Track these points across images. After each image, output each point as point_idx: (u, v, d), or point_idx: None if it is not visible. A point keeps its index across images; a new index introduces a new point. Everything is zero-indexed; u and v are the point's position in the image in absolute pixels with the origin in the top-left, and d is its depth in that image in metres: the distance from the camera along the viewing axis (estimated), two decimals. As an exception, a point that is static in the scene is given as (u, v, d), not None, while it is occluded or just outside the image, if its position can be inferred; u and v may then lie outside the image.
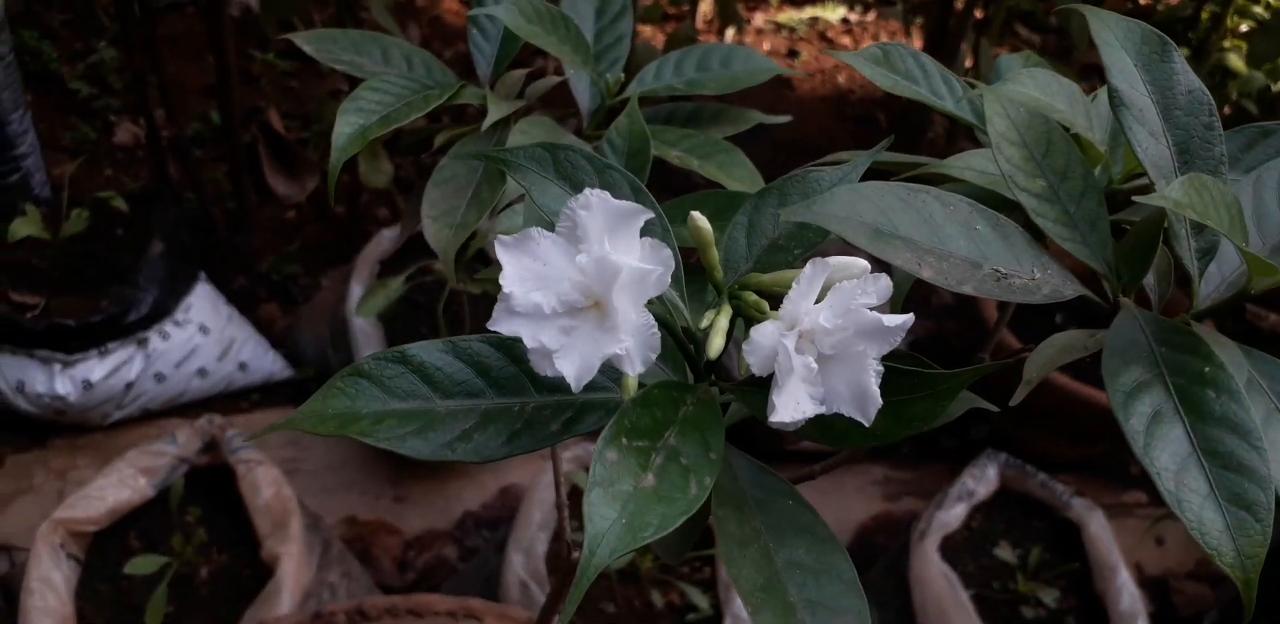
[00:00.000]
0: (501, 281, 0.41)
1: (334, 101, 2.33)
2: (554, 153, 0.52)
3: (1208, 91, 0.51)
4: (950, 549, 1.60)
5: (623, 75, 0.84)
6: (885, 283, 0.43)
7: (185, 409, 1.90)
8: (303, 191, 2.39)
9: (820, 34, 3.13)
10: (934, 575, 1.51)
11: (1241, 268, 0.51)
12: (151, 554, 1.46)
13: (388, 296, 1.60)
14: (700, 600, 1.52)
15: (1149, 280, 0.51)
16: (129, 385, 1.77)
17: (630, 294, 0.41)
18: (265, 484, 1.55)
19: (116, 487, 1.52)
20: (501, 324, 0.41)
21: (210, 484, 1.61)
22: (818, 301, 0.42)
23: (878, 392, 0.42)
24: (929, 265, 0.45)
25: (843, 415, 0.43)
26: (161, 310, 1.80)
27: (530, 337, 0.41)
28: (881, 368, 0.44)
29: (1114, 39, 0.51)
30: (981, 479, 1.71)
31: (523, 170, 0.52)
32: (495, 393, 0.50)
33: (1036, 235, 0.49)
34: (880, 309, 0.43)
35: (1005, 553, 1.62)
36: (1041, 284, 0.47)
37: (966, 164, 0.57)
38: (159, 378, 1.80)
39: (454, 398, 0.49)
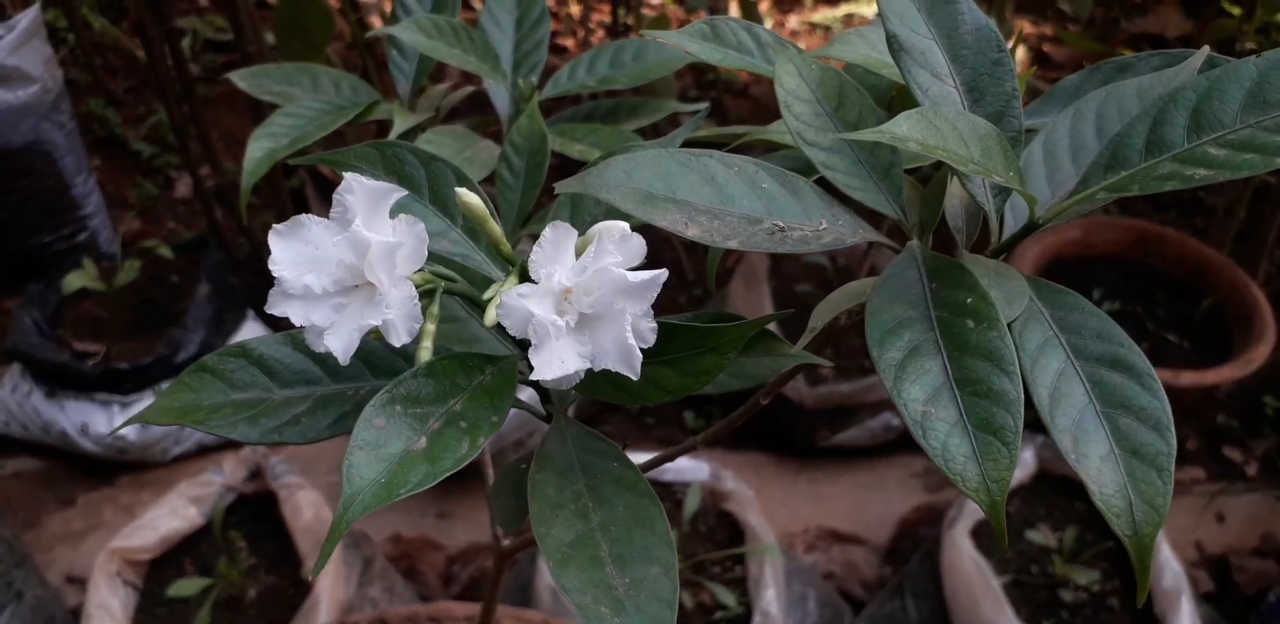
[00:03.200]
0: (272, 267, 0.44)
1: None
2: (381, 150, 0.55)
3: (995, 29, 0.52)
4: (986, 535, 1.58)
5: (535, 80, 0.87)
6: (635, 242, 0.44)
7: (239, 442, 1.97)
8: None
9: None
10: (964, 562, 1.49)
11: (1050, 202, 0.51)
12: (199, 577, 1.52)
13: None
14: (728, 599, 1.53)
15: (957, 222, 0.52)
16: (183, 422, 1.85)
17: (385, 268, 0.43)
18: (306, 507, 1.60)
19: (168, 517, 1.59)
20: (275, 307, 0.44)
21: (257, 510, 1.67)
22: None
23: (635, 347, 0.44)
24: (697, 224, 0.46)
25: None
26: (209, 348, 1.87)
27: (301, 317, 0.44)
28: (654, 325, 0.45)
29: (894, -13, 0.52)
30: (1018, 463, 1.68)
31: (355, 169, 0.55)
32: (332, 380, 0.53)
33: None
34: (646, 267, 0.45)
35: (1042, 536, 1.59)
36: (824, 234, 0.48)
37: (783, 128, 0.59)
38: (211, 413, 1.88)
39: (292, 386, 0.53)
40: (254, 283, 2.28)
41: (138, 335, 1.91)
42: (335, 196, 0.45)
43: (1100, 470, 0.42)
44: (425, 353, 0.46)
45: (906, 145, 0.41)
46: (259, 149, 0.77)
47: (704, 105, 0.91)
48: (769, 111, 2.67)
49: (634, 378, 0.45)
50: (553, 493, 0.50)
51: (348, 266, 0.44)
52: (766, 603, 1.53)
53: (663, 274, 0.44)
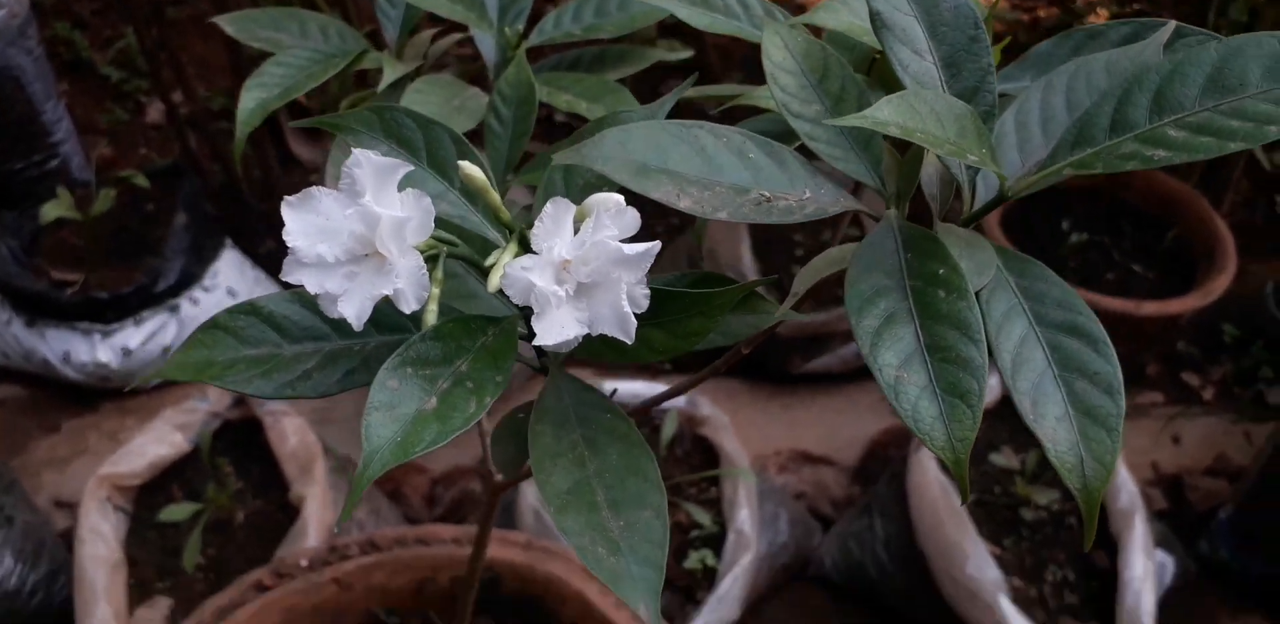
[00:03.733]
0: (286, 238, 0.47)
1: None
2: (380, 114, 0.58)
3: (973, 6, 0.54)
4: (951, 459, 1.64)
5: (520, 28, 0.88)
6: (630, 216, 0.47)
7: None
8: (325, 156, 2.47)
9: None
10: (930, 483, 1.56)
11: (1021, 172, 0.54)
12: (188, 502, 1.57)
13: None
14: (704, 518, 1.59)
15: (932, 191, 0.55)
16: (166, 350, 1.87)
17: (395, 240, 0.46)
18: (291, 433, 1.64)
19: (155, 443, 1.63)
20: (290, 275, 0.47)
21: (242, 436, 1.71)
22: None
23: (630, 314, 0.47)
24: (689, 196, 0.49)
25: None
26: (189, 277, 1.89)
27: (316, 284, 0.47)
28: (647, 291, 0.49)
29: (878, -38, 0.54)
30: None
31: (354, 133, 0.57)
32: (339, 336, 0.56)
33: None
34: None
35: (1005, 459, 1.66)
36: (807, 203, 0.51)
37: (768, 94, 0.61)
38: (193, 341, 1.90)
39: (300, 342, 0.55)
40: (230, 209, 2.28)
41: (115, 263, 1.92)
42: (344, 169, 0.47)
43: (1055, 430, 0.46)
44: (431, 316, 0.49)
45: (888, 129, 0.44)
46: (251, 99, 0.79)
47: (689, 53, 0.93)
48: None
49: (629, 342, 0.48)
50: (551, 443, 0.53)
51: (358, 237, 0.46)
52: (740, 522, 1.60)
53: (656, 246, 0.47)
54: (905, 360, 0.46)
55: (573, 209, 0.47)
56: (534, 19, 0.91)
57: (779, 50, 0.54)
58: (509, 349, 0.50)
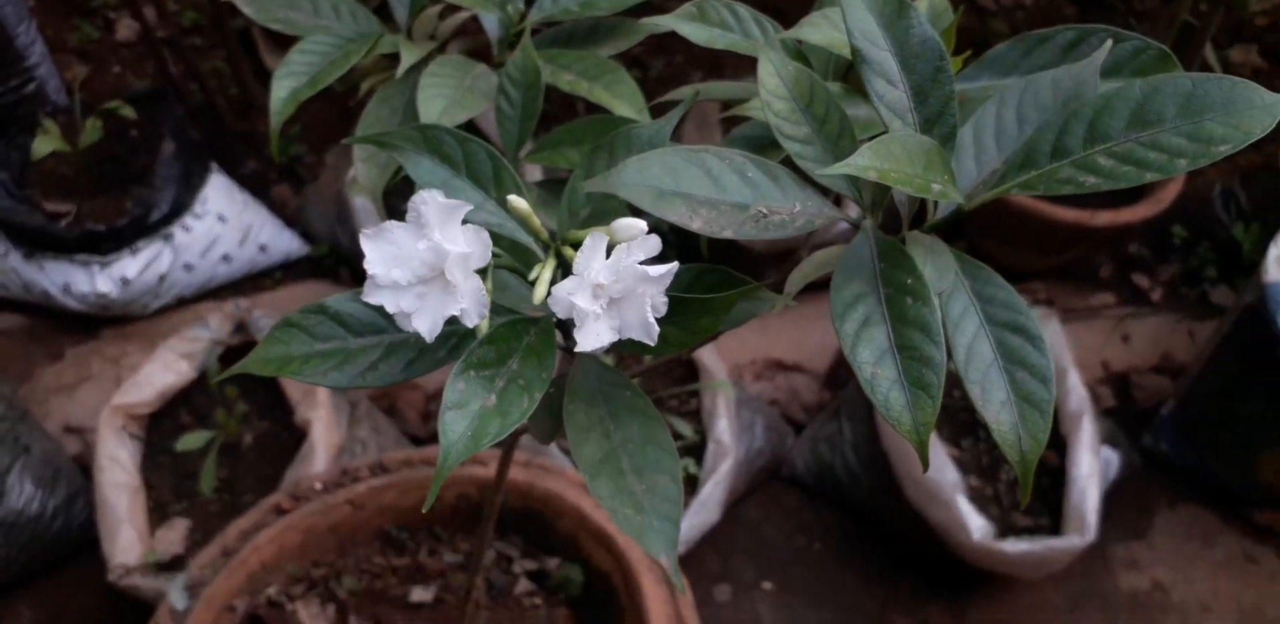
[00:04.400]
0: (366, 266, 0.55)
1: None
2: (423, 131, 0.65)
3: (939, 40, 0.62)
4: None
5: (522, 6, 0.95)
6: (653, 241, 0.56)
7: (216, 292, 2.08)
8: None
9: None
10: (894, 395, 1.68)
11: (976, 181, 0.63)
12: (199, 429, 1.67)
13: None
14: (685, 429, 1.72)
15: (901, 199, 0.64)
16: (162, 277, 1.95)
17: (460, 268, 0.55)
18: (295, 358, 1.74)
19: (162, 372, 1.72)
20: (371, 296, 0.56)
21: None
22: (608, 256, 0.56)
23: (654, 321, 0.57)
24: (700, 216, 0.58)
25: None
26: (180, 206, 1.95)
27: (392, 305, 0.56)
28: (666, 299, 0.58)
29: (859, 2, 0.62)
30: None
31: (399, 148, 0.65)
32: (396, 329, 0.65)
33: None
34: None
35: (964, 369, 1.78)
36: (798, 217, 0.60)
37: (758, 106, 0.69)
38: (188, 268, 1.98)
39: (364, 336, 0.65)
40: (209, 130, 2.32)
41: (106, 192, 1.98)
42: (411, 204, 0.56)
43: (1000, 413, 0.56)
44: (485, 324, 0.58)
45: (867, 174, 0.53)
46: (283, 89, 0.85)
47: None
48: None
49: (651, 344, 0.58)
50: (582, 419, 0.64)
51: (428, 264, 0.55)
52: (719, 432, 1.72)
53: (674, 266, 0.57)
54: (879, 358, 0.56)
55: (605, 240, 0.56)
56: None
57: (772, 77, 0.63)
58: (549, 347, 0.60)
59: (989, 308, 0.59)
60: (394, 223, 0.56)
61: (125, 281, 1.90)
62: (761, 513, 1.91)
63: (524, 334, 0.60)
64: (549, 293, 0.56)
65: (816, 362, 2.09)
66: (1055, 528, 1.68)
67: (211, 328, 1.78)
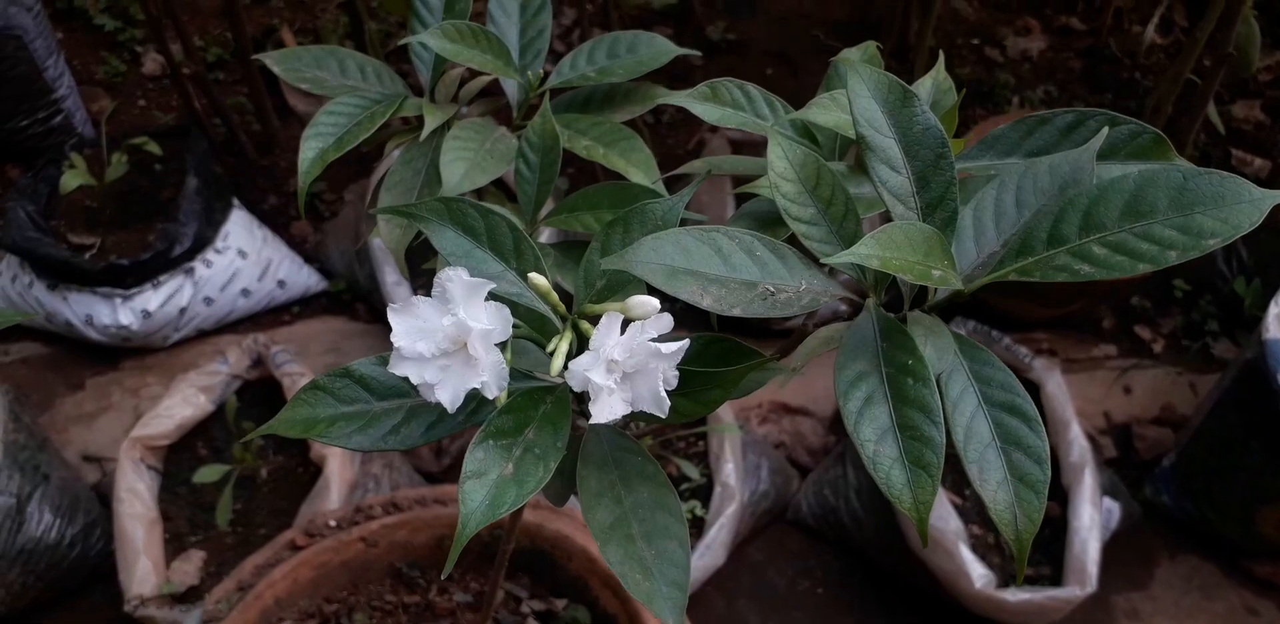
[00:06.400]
0: (393, 338, 0.58)
1: (334, 27, 2.45)
2: (448, 204, 0.69)
3: (941, 128, 0.65)
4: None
5: (542, 71, 0.98)
6: (666, 320, 0.59)
7: (235, 325, 2.12)
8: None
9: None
10: (899, 443, 1.70)
11: (976, 263, 0.66)
12: (216, 463, 1.70)
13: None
14: (693, 472, 1.74)
15: (904, 284, 0.67)
16: (182, 311, 1.98)
17: (482, 343, 0.58)
18: (310, 395, 1.77)
19: (181, 405, 1.76)
20: (396, 368, 0.59)
21: (262, 395, 1.84)
22: (623, 331, 0.59)
23: (665, 395, 0.60)
24: (710, 294, 0.61)
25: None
26: (202, 241, 1.99)
27: (416, 376, 0.59)
28: (677, 373, 0.61)
29: (865, 91, 0.65)
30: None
31: (424, 219, 0.69)
32: (418, 393, 0.68)
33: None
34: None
35: (968, 417, 1.80)
36: (804, 295, 0.63)
37: (765, 184, 0.72)
38: (208, 301, 2.01)
39: (387, 399, 0.67)
40: (232, 165, 2.36)
41: (130, 225, 2.02)
42: (436, 280, 0.59)
43: (997, 492, 0.59)
44: (504, 396, 0.61)
45: (870, 263, 0.56)
46: (311, 150, 0.89)
47: (688, 92, 1.03)
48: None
49: (663, 416, 0.60)
50: (594, 484, 0.66)
51: (451, 338, 0.58)
52: (726, 475, 1.75)
53: (685, 344, 0.59)
54: (881, 437, 0.59)
55: (620, 318, 0.59)
56: (552, 49, 1.01)
57: (780, 160, 0.66)
58: (564, 416, 0.63)
59: (987, 389, 0.61)
60: (420, 298, 0.59)
61: (147, 314, 1.94)
62: (766, 555, 1.93)
63: (540, 403, 0.63)
64: (565, 367, 0.59)
65: (822, 405, 2.11)
66: (1056, 578, 1.70)
67: (230, 362, 1.82)
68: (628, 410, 0.60)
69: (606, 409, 0.59)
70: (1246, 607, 1.89)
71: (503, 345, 0.62)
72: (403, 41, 0.91)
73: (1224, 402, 1.82)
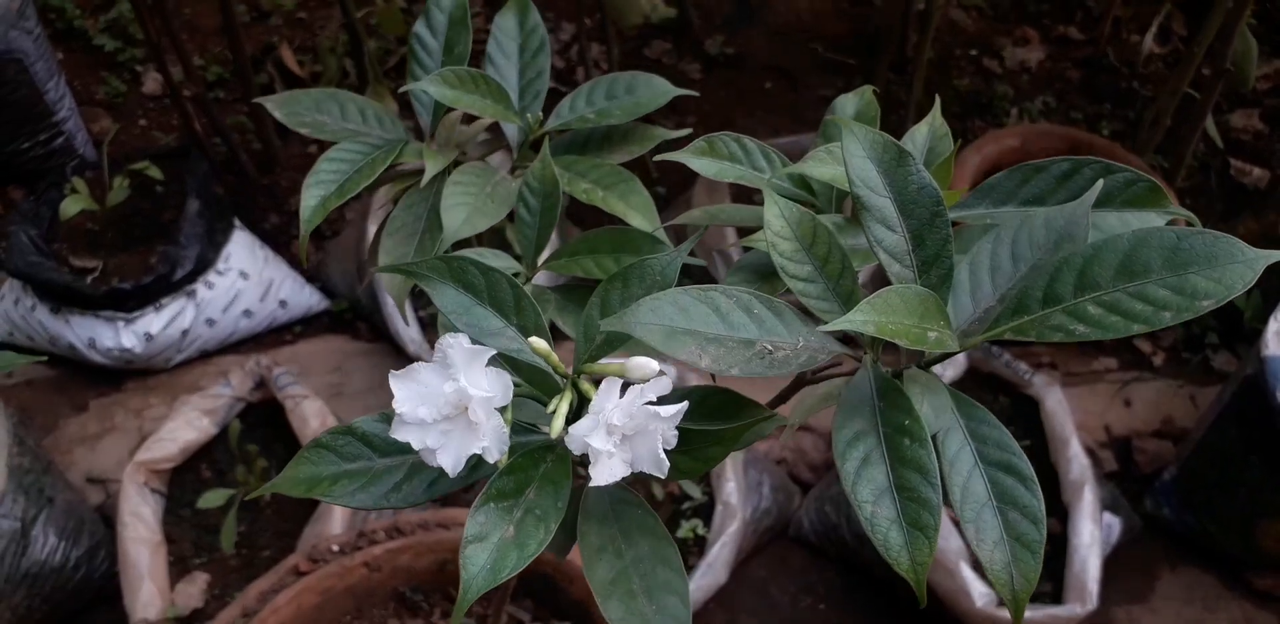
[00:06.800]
0: (394, 405, 0.59)
1: (333, 45, 2.45)
2: (448, 262, 0.69)
3: (935, 186, 0.66)
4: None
5: (541, 114, 0.99)
6: (664, 382, 0.60)
7: (237, 346, 2.13)
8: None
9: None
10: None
11: (973, 318, 0.67)
12: (219, 485, 1.71)
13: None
14: (694, 491, 1.75)
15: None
16: (184, 333, 1.99)
17: (483, 409, 0.58)
18: (311, 415, 1.78)
19: (184, 429, 1.76)
20: (398, 433, 0.60)
21: (265, 417, 1.84)
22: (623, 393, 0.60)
23: (664, 456, 0.60)
24: (708, 354, 0.62)
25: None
26: (204, 263, 2.00)
27: (418, 441, 0.59)
28: (676, 432, 0.62)
29: (860, 151, 0.66)
30: (950, 363, 1.89)
31: (425, 278, 0.69)
32: (420, 451, 0.68)
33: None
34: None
35: (969, 435, 1.81)
36: (801, 352, 0.64)
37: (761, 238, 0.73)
38: (210, 323, 2.02)
39: (389, 456, 0.68)
40: (233, 184, 2.37)
41: (131, 248, 2.02)
42: (438, 346, 0.59)
43: (993, 552, 0.59)
44: (505, 458, 0.62)
45: (866, 328, 0.57)
46: (312, 197, 0.90)
47: (685, 132, 1.04)
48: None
49: (663, 476, 0.61)
50: (594, 539, 0.67)
51: (452, 403, 0.59)
52: (727, 494, 1.75)
53: (684, 406, 0.60)
54: (878, 497, 0.59)
55: (619, 383, 0.59)
56: (552, 89, 1.01)
57: (777, 219, 0.66)
58: (565, 475, 0.63)
59: (983, 447, 0.62)
60: (421, 364, 0.60)
61: (149, 337, 1.95)
62: (768, 572, 1.94)
63: (541, 462, 0.64)
64: (566, 431, 0.60)
65: (823, 420, 2.11)
66: (1057, 595, 1.70)
67: (232, 385, 1.82)
68: (628, 472, 0.61)
69: (606, 471, 0.60)
70: (1247, 619, 1.90)
71: (503, 408, 0.62)
72: (403, 89, 0.92)
73: (1224, 417, 1.82)
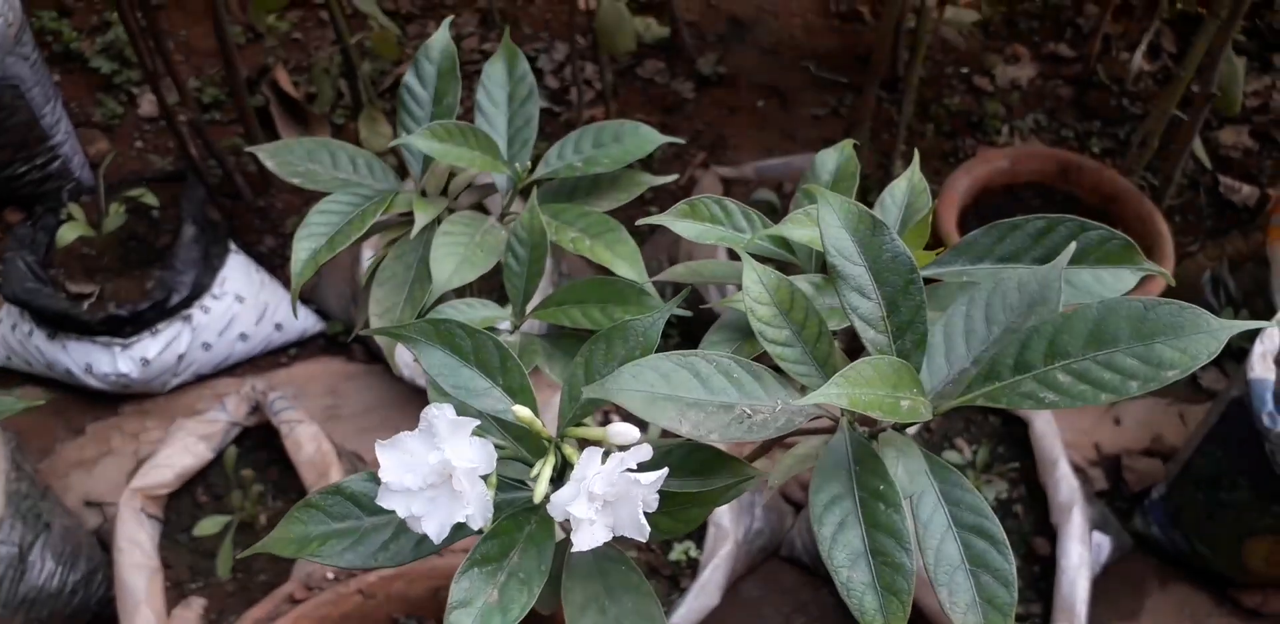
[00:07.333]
0: (380, 474, 0.61)
1: (327, 67, 2.47)
2: (435, 326, 0.71)
3: (909, 254, 0.67)
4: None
5: (529, 163, 1.01)
6: (645, 450, 0.61)
7: (233, 369, 2.14)
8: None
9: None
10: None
11: (947, 380, 0.69)
12: (216, 510, 1.72)
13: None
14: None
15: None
16: (180, 357, 2.00)
17: (468, 477, 0.60)
18: (306, 440, 1.79)
19: (180, 454, 1.78)
20: (384, 501, 0.61)
21: (261, 441, 1.86)
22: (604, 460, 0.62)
23: (645, 521, 0.62)
24: (688, 420, 0.63)
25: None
26: (200, 287, 2.01)
27: (404, 509, 0.61)
28: (657, 496, 0.63)
29: (836, 221, 0.67)
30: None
31: (413, 340, 0.71)
32: (408, 510, 0.70)
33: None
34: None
35: (959, 455, 1.83)
36: (779, 416, 0.65)
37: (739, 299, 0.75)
38: (206, 347, 2.03)
39: (377, 514, 0.70)
40: (228, 206, 2.38)
41: (128, 273, 2.04)
42: (423, 415, 0.61)
43: (965, 615, 0.61)
44: (489, 523, 0.64)
45: (840, 402, 0.58)
46: (303, 250, 0.91)
47: (672, 177, 1.05)
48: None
49: (644, 541, 0.63)
50: (578, 597, 0.68)
51: (437, 472, 0.61)
52: (719, 516, 1.77)
53: (664, 473, 0.62)
54: (854, 562, 0.61)
55: (600, 452, 0.61)
56: (545, 109, 1.03)
57: (755, 285, 0.68)
58: (548, 537, 0.65)
59: (956, 510, 0.64)
60: (407, 433, 0.61)
61: (145, 362, 1.96)
62: (761, 592, 1.95)
63: (525, 524, 0.65)
64: (548, 498, 0.61)
65: (817, 440, 2.13)
66: (1046, 616, 1.72)
67: (228, 410, 1.84)
68: (609, 536, 0.62)
69: (589, 537, 0.61)
70: (1237, 638, 1.91)
71: (487, 475, 0.64)
72: (392, 143, 0.93)
73: (1210, 438, 1.84)
